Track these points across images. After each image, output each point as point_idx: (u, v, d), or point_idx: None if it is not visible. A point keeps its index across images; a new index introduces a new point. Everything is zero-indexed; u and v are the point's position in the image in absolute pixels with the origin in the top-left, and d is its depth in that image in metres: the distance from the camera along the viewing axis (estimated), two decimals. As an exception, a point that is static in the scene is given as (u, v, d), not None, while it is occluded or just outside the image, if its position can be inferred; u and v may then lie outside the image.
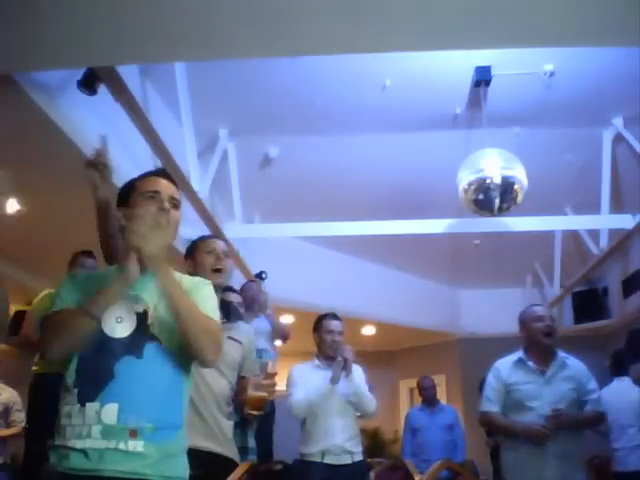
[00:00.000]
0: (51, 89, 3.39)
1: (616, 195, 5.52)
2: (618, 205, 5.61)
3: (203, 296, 1.68)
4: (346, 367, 3.40)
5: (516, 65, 4.40)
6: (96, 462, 1.44)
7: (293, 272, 6.38)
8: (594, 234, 6.05)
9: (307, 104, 4.78)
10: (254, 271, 5.67)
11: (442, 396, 7.46)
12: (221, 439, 2.28)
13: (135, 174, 1.80)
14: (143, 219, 1.58)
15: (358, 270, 7.53)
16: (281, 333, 4.90)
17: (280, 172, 5.63)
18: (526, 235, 5.82)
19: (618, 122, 5.10)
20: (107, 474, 1.44)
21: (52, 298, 1.88)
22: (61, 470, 1.47)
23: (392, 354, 9.06)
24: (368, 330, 8.34)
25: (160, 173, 1.77)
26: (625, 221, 5.28)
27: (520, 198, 4.37)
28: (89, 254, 3.66)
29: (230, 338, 2.34)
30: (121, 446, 1.45)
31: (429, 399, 5.76)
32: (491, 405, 3.08)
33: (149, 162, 4.25)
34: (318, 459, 3.36)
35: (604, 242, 5.84)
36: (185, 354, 1.60)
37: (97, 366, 1.52)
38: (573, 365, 3.08)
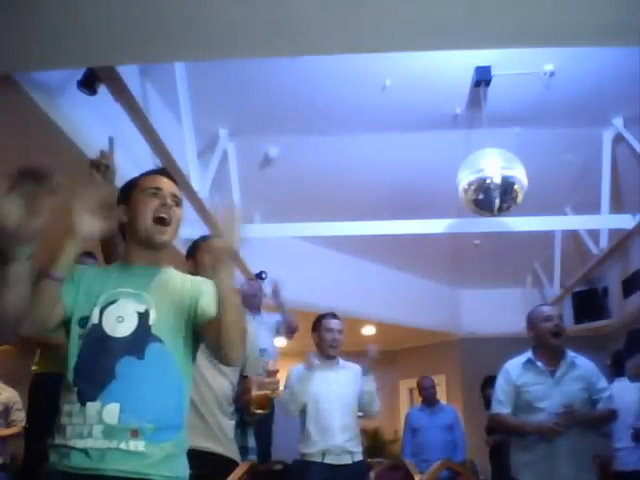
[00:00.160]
0: (51, 89, 3.39)
1: (616, 195, 5.52)
2: (618, 205, 5.61)
3: (212, 297, 1.68)
4: (368, 365, 3.47)
5: (516, 65, 4.39)
6: (97, 461, 1.44)
7: (293, 272, 6.36)
8: (594, 234, 6.05)
9: (307, 104, 4.78)
10: (254, 271, 5.67)
11: (442, 396, 7.46)
12: (222, 439, 2.28)
13: (135, 174, 1.80)
14: (148, 213, 1.63)
15: (358, 270, 7.53)
16: (292, 328, 4.92)
17: (280, 172, 5.63)
18: (526, 235, 5.81)
19: (618, 122, 5.10)
20: (108, 473, 1.45)
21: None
22: (61, 469, 1.47)
23: (392, 354, 9.05)
24: (368, 330, 8.34)
25: (161, 172, 1.79)
26: (625, 221, 5.28)
27: (520, 198, 4.37)
28: (90, 254, 3.66)
29: None
30: (122, 446, 1.46)
31: (429, 399, 5.77)
32: (502, 407, 3.09)
33: (149, 162, 4.25)
34: (318, 459, 3.36)
35: (604, 242, 5.84)
36: (188, 353, 1.61)
37: (98, 365, 1.52)
38: (583, 365, 3.09)
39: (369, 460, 4.52)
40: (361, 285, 7.30)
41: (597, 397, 3.04)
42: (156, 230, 1.66)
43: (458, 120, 4.97)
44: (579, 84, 4.54)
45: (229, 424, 2.34)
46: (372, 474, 3.82)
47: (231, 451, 2.34)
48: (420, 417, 5.69)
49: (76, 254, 1.54)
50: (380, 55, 3.88)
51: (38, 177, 1.46)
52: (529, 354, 3.13)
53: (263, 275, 5.52)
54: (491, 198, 4.32)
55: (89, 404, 1.48)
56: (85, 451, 1.45)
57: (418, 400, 6.12)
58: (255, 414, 2.30)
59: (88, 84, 3.40)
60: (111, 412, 1.47)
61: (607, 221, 5.53)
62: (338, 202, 5.87)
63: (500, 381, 3.15)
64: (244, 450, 2.95)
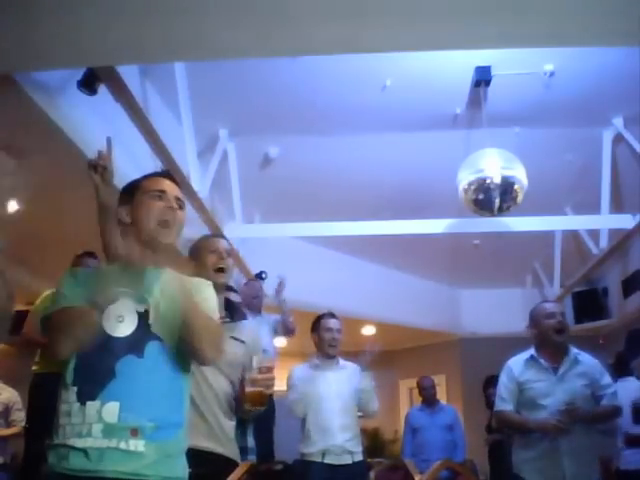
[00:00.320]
0: (51, 89, 3.39)
1: (616, 195, 5.52)
2: (618, 205, 5.61)
3: (204, 297, 1.69)
4: (367, 361, 3.47)
5: (516, 65, 4.39)
6: (96, 462, 1.44)
7: (293, 272, 6.36)
8: (594, 234, 6.05)
9: (307, 104, 4.78)
10: (254, 271, 5.67)
11: (442, 396, 7.46)
12: (222, 439, 2.28)
13: (135, 174, 1.81)
14: (154, 215, 1.62)
15: (358, 270, 7.53)
16: (289, 329, 4.92)
17: (280, 172, 5.63)
18: (526, 235, 5.81)
19: (618, 122, 5.09)
20: (107, 475, 1.44)
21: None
22: (60, 471, 1.47)
23: (392, 354, 9.05)
24: (368, 330, 8.34)
25: (164, 174, 1.80)
26: (625, 221, 5.28)
27: (520, 198, 4.37)
28: (91, 255, 3.66)
29: (233, 338, 2.34)
30: (122, 445, 1.46)
31: (429, 399, 5.77)
32: (505, 404, 3.09)
33: (149, 162, 4.25)
34: (318, 459, 3.36)
35: (604, 242, 5.84)
36: (185, 352, 1.61)
37: (97, 365, 1.52)
38: (586, 361, 3.08)
39: (369, 460, 4.51)
40: (361, 285, 7.30)
41: (601, 393, 3.03)
42: (160, 232, 1.66)
43: (458, 120, 4.97)
44: (579, 84, 4.54)
45: (230, 424, 2.34)
46: (372, 474, 3.82)
47: (231, 451, 2.34)
48: (420, 417, 5.70)
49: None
50: (380, 55, 3.88)
51: None
52: (532, 351, 3.13)
53: (263, 275, 5.52)
54: (491, 198, 4.32)
55: (89, 403, 1.48)
56: (84, 451, 1.45)
57: (418, 400, 6.12)
58: (248, 411, 2.30)
59: (88, 84, 3.40)
60: (111, 411, 1.47)
61: (607, 221, 5.53)
62: (338, 202, 5.87)
63: (503, 378, 3.15)
64: (243, 450, 2.96)
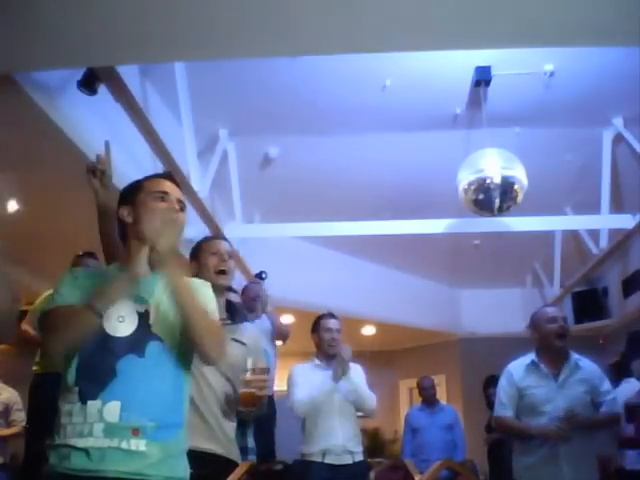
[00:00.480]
0: (51, 89, 3.39)
1: (616, 195, 5.52)
2: (618, 205, 5.61)
3: (203, 298, 1.69)
4: (343, 366, 3.42)
5: (516, 65, 4.39)
6: (97, 462, 1.44)
7: (293, 272, 6.38)
8: (594, 234, 6.05)
9: (307, 104, 4.78)
10: (254, 271, 5.67)
11: (442, 396, 7.46)
12: (223, 441, 2.28)
13: (135, 174, 1.81)
14: (157, 215, 1.62)
15: (358, 270, 7.53)
16: (282, 333, 4.90)
17: (280, 172, 5.63)
18: (526, 235, 5.81)
19: (618, 122, 5.09)
20: (109, 475, 1.44)
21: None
22: (61, 471, 1.47)
23: (392, 354, 9.06)
24: (368, 330, 8.34)
25: (166, 176, 1.80)
26: (625, 221, 5.28)
27: (520, 198, 4.37)
28: (91, 255, 3.66)
29: (234, 340, 2.34)
30: (123, 445, 1.46)
31: (429, 399, 5.77)
32: (504, 410, 3.08)
33: (149, 162, 4.25)
34: (319, 459, 3.36)
35: (604, 242, 5.84)
36: (188, 352, 1.62)
37: (99, 364, 1.52)
38: (586, 367, 3.07)
39: (369, 460, 4.51)
40: (361, 285, 7.30)
41: (600, 400, 3.02)
42: (164, 232, 1.66)
43: (458, 120, 4.97)
44: (579, 84, 4.54)
45: (230, 425, 2.34)
46: (372, 474, 3.82)
47: (232, 452, 2.34)
48: (420, 417, 5.70)
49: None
50: (380, 55, 3.88)
51: None
52: (532, 356, 3.11)
53: (263, 275, 5.52)
54: (491, 198, 4.32)
55: (90, 402, 1.49)
56: (86, 451, 1.45)
57: (418, 400, 6.12)
58: (242, 412, 2.30)
59: (88, 84, 3.40)
60: (112, 410, 1.48)
61: (607, 221, 5.53)
62: (338, 202, 5.86)
63: (503, 383, 3.14)
64: (243, 450, 2.95)
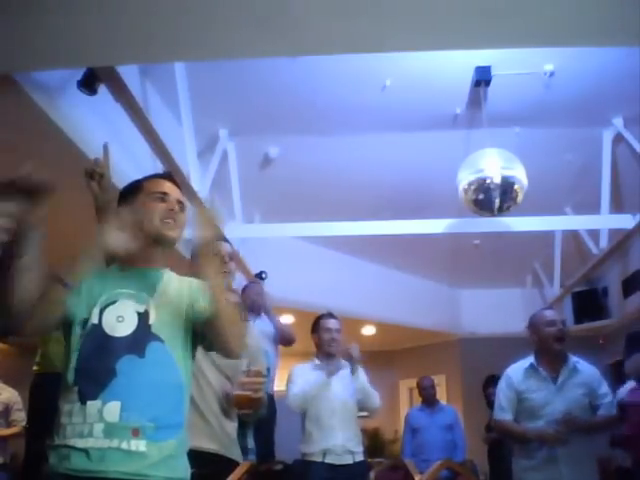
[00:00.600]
0: (51, 89, 3.39)
1: (616, 195, 5.52)
2: (618, 205, 5.61)
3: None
4: (353, 364, 3.45)
5: (516, 65, 4.39)
6: (97, 463, 1.44)
7: (293, 272, 6.38)
8: (594, 234, 6.05)
9: (307, 104, 4.78)
10: (254, 271, 5.67)
11: (442, 396, 7.47)
12: (225, 441, 2.28)
13: (135, 174, 1.81)
14: (156, 216, 1.66)
15: (358, 270, 7.53)
16: (286, 337, 4.88)
17: (280, 172, 5.63)
18: (526, 235, 5.81)
19: (618, 122, 5.09)
20: (109, 475, 1.44)
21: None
22: (62, 471, 1.46)
23: (392, 354, 9.06)
24: (368, 330, 8.34)
25: (166, 176, 1.80)
26: (625, 221, 5.27)
27: (520, 198, 4.37)
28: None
29: None
30: (123, 445, 1.46)
31: (429, 399, 5.77)
32: (504, 413, 3.09)
33: (149, 162, 4.25)
34: (319, 459, 3.36)
35: (604, 242, 5.84)
36: (189, 352, 1.63)
37: (98, 364, 1.52)
38: (585, 370, 3.08)
39: (369, 460, 4.52)
40: (361, 285, 7.30)
41: (598, 403, 3.03)
42: (165, 226, 1.67)
43: (458, 120, 4.97)
44: (579, 84, 4.54)
45: (232, 425, 2.34)
46: (372, 474, 3.82)
47: (233, 452, 2.34)
48: (420, 417, 5.70)
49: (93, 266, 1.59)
50: (380, 55, 3.88)
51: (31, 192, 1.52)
52: (531, 359, 3.12)
53: (263, 275, 5.52)
54: (491, 198, 4.32)
55: (89, 402, 1.48)
56: (86, 451, 1.45)
57: (418, 400, 6.12)
58: (242, 414, 2.30)
59: (88, 84, 3.40)
60: (112, 410, 1.47)
61: (607, 221, 5.53)
62: (338, 202, 5.86)
63: (502, 386, 3.14)
64: (243, 451, 2.95)
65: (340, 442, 3.39)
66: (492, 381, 4.85)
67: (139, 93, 3.88)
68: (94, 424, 1.46)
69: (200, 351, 1.73)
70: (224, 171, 5.39)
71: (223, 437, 2.27)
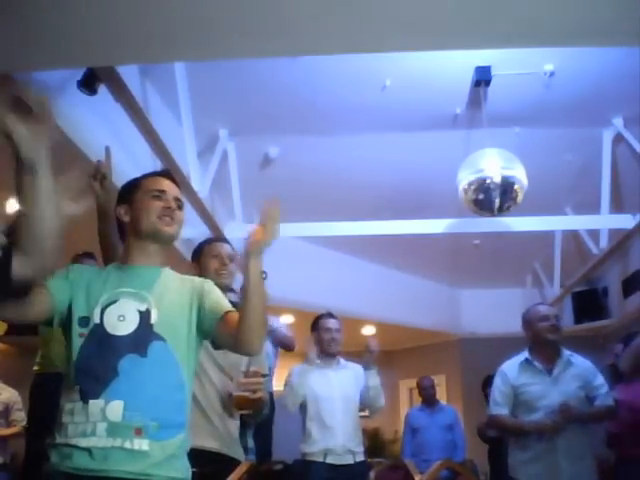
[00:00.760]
0: (51, 89, 3.39)
1: (616, 195, 5.52)
2: (618, 205, 5.61)
3: (217, 294, 1.72)
4: (369, 361, 3.47)
5: (516, 65, 4.39)
6: (100, 462, 1.44)
7: (293, 272, 6.37)
8: (594, 234, 6.05)
9: (307, 104, 4.78)
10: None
11: (442, 396, 7.46)
12: (227, 439, 2.28)
13: (135, 174, 1.81)
14: (153, 214, 1.66)
15: (358, 270, 7.53)
16: (286, 342, 4.88)
17: (280, 172, 5.63)
18: (526, 235, 5.81)
19: (618, 122, 5.09)
20: (112, 474, 1.44)
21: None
22: (64, 470, 1.46)
23: (392, 354, 9.05)
24: (368, 330, 8.33)
25: (164, 174, 1.80)
26: (625, 221, 5.27)
27: (520, 198, 4.37)
28: (90, 256, 3.66)
29: None
30: (126, 445, 1.45)
31: (429, 399, 5.77)
32: (500, 408, 3.09)
33: (149, 162, 4.25)
34: (320, 459, 3.36)
35: (604, 242, 5.84)
36: (191, 351, 1.63)
37: (99, 363, 1.52)
38: (579, 363, 3.09)
39: (369, 460, 4.52)
40: (361, 285, 7.29)
41: (594, 394, 3.04)
42: (162, 223, 1.67)
43: (458, 120, 4.97)
44: (579, 84, 4.54)
45: (234, 424, 2.35)
46: (372, 474, 3.82)
47: (236, 451, 2.34)
48: (420, 417, 5.70)
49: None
50: (380, 55, 3.88)
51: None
52: (526, 354, 3.13)
53: (263, 275, 5.51)
54: (491, 198, 4.32)
55: (92, 402, 1.48)
56: (89, 450, 1.45)
57: (418, 400, 6.12)
58: (237, 414, 2.30)
59: (88, 84, 3.40)
60: (115, 409, 1.47)
61: (607, 221, 5.53)
62: (338, 202, 5.86)
63: (497, 383, 3.15)
64: (243, 450, 2.96)
65: (341, 442, 3.39)
66: (491, 381, 4.85)
67: (139, 93, 3.88)
68: (97, 423, 1.46)
69: (202, 350, 1.73)
70: (224, 171, 5.38)
71: (225, 436, 2.27)
